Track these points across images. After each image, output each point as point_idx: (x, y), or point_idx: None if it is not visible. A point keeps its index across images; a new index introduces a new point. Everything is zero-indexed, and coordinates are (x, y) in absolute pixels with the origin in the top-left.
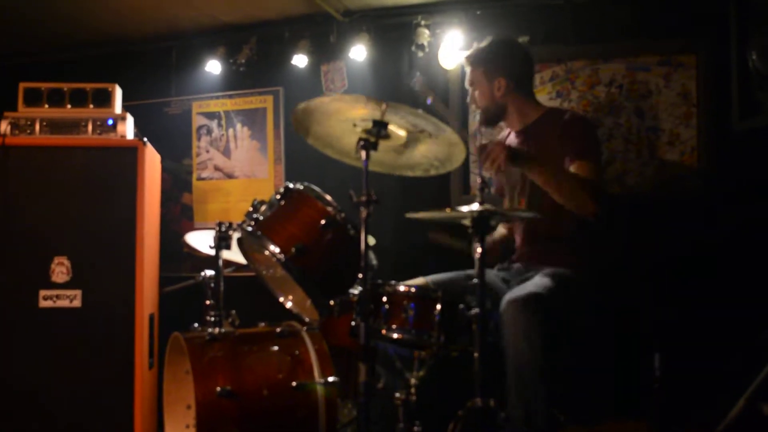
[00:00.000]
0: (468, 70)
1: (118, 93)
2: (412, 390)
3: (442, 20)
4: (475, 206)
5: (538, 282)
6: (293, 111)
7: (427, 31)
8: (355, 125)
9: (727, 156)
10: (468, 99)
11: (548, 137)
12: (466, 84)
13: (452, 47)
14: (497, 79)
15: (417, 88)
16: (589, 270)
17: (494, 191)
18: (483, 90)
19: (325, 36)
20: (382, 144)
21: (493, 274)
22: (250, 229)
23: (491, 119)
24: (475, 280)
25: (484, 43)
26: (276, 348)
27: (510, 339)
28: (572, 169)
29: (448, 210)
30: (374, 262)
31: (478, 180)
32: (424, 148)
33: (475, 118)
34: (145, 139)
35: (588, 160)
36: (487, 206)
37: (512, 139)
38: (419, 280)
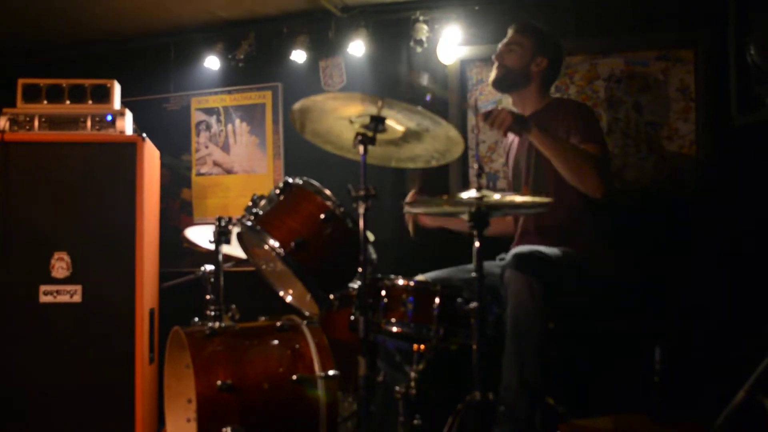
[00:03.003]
0: (511, 35)
1: (116, 89)
2: (412, 383)
3: (441, 16)
4: (472, 193)
5: (546, 248)
6: (291, 111)
7: (425, 27)
8: (352, 122)
9: (726, 150)
10: (495, 55)
11: (552, 124)
12: (500, 45)
13: (451, 43)
14: (541, 56)
15: (424, 83)
16: (593, 259)
17: (506, 185)
18: (523, 54)
19: (323, 32)
20: (382, 137)
21: (493, 266)
22: (249, 223)
23: (509, 82)
24: (474, 274)
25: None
26: (276, 342)
27: (512, 290)
28: None
29: (444, 197)
30: (373, 256)
31: (475, 166)
32: (422, 143)
33: (477, 111)
34: (144, 135)
35: (594, 142)
36: (485, 192)
37: None
38: (418, 278)
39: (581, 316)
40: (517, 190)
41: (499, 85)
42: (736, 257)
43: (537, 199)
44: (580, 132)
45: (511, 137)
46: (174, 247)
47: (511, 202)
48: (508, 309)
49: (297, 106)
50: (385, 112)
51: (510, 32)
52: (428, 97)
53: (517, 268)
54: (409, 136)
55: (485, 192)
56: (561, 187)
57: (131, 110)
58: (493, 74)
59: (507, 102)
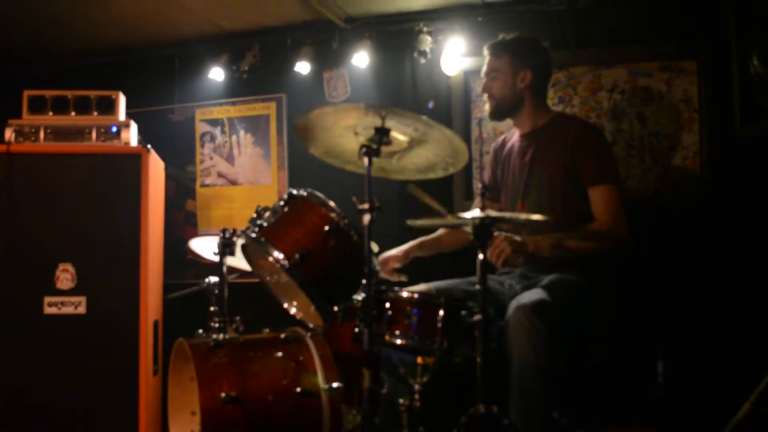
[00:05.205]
0: (488, 58)
1: (121, 100)
2: (416, 396)
3: (444, 27)
4: (476, 212)
5: (544, 288)
6: (296, 128)
7: (429, 38)
8: (356, 133)
9: (730, 161)
10: (482, 88)
11: (554, 143)
12: (482, 72)
13: (454, 54)
14: (523, 70)
15: None
16: (595, 275)
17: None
18: (505, 79)
19: (327, 43)
20: (389, 149)
21: (495, 280)
22: (254, 235)
23: (504, 111)
24: (477, 287)
25: (511, 35)
26: (280, 354)
27: (515, 345)
28: (593, 196)
29: (449, 217)
30: (378, 268)
31: (479, 185)
32: (430, 149)
33: (479, 123)
34: (149, 146)
35: (607, 182)
36: (489, 212)
37: (517, 143)
38: (422, 287)
39: (584, 336)
40: (513, 205)
41: (497, 116)
42: (739, 268)
43: (539, 217)
44: (592, 170)
45: (508, 145)
46: (178, 258)
47: (512, 218)
48: (512, 364)
49: (300, 123)
50: (389, 123)
51: (486, 54)
52: (431, 105)
53: (519, 324)
54: (415, 144)
55: (489, 212)
56: (560, 205)
57: (136, 121)
58: (487, 108)
59: (508, 126)
